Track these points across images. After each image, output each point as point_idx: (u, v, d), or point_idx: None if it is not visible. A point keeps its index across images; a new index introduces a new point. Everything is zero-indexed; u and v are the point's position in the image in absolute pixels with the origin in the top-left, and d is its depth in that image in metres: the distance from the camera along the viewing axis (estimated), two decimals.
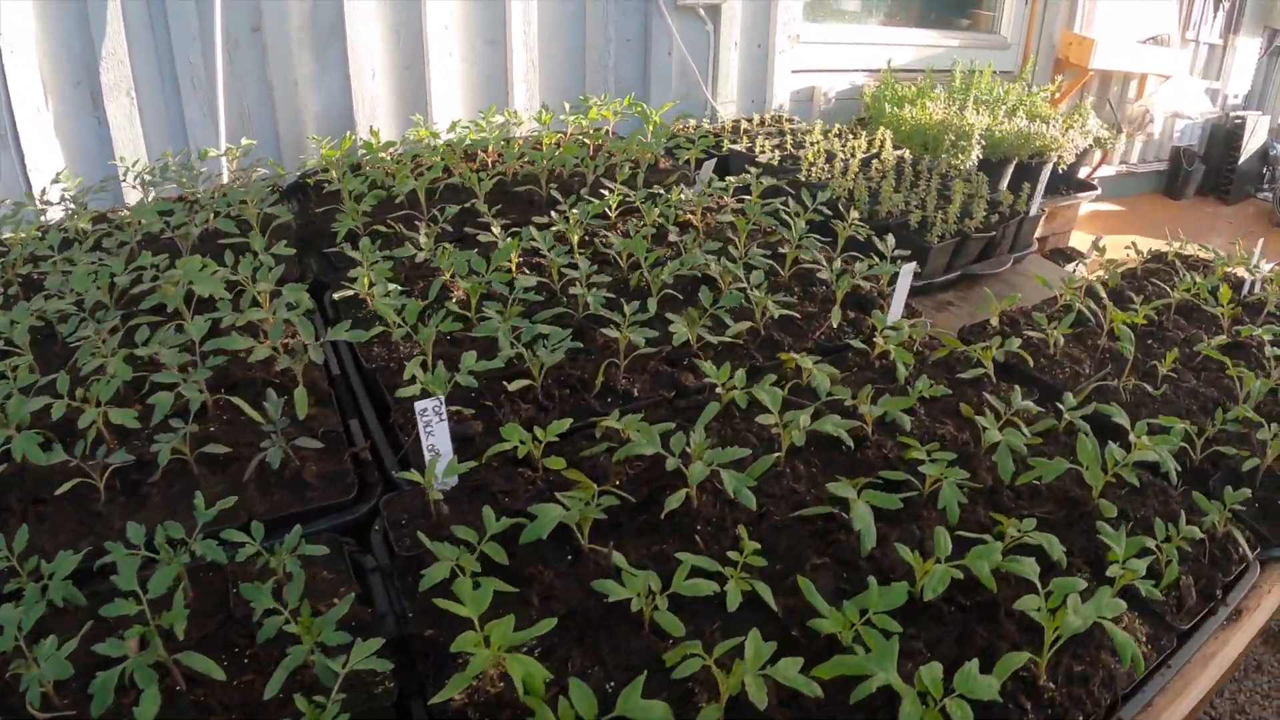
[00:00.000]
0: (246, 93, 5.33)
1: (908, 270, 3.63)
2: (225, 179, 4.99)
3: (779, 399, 2.85)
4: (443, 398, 2.49)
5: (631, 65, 6.16)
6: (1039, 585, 2.10)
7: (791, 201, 4.26)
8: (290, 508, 2.36)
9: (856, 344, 3.43)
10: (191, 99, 5.12)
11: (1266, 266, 4.38)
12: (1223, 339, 3.71)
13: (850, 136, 5.83)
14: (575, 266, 3.63)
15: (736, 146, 5.51)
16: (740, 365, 3.36)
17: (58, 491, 2.30)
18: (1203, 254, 4.62)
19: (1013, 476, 2.70)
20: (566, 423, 2.62)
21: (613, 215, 4.35)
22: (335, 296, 3.55)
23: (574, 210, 4.11)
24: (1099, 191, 6.95)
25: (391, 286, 3.41)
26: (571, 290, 3.57)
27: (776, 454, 2.69)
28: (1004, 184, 6.33)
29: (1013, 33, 8.02)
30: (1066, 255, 6.94)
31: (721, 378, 3.02)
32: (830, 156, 5.46)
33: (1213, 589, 2.53)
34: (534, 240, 3.79)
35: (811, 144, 5.54)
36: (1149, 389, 3.35)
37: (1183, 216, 9.38)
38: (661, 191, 4.44)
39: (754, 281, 3.67)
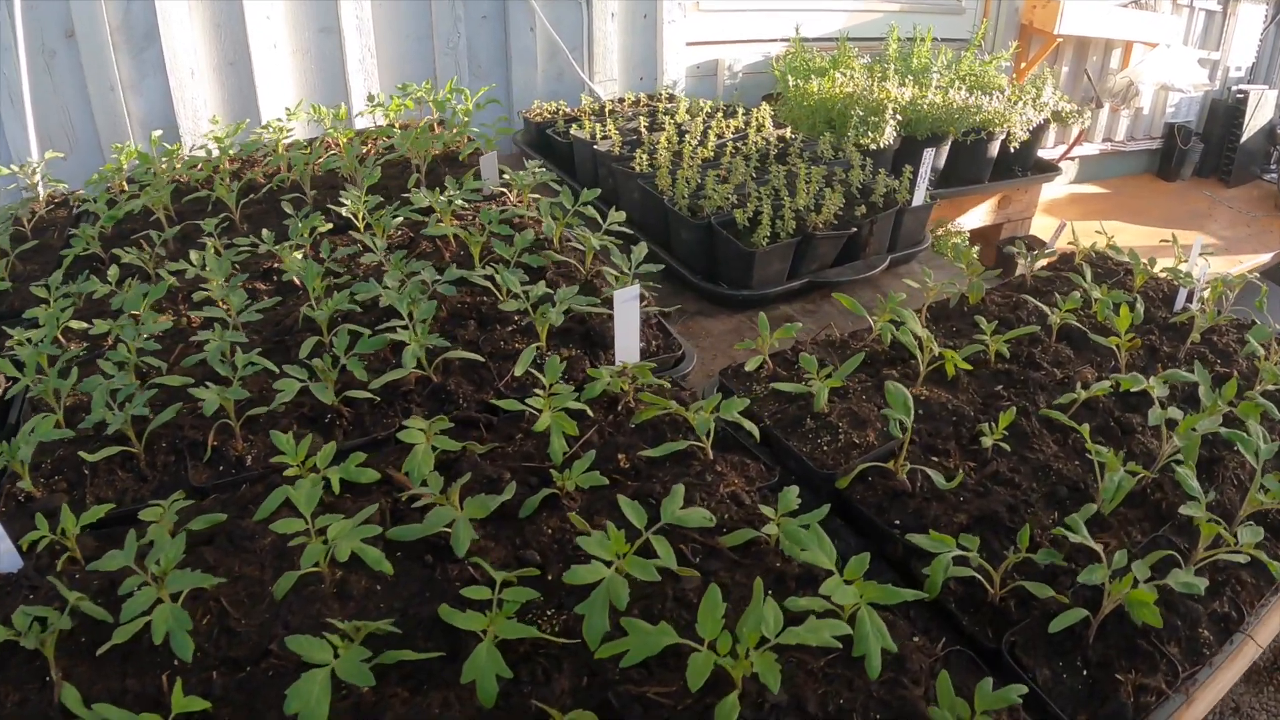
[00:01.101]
0: (70, 102, 4.45)
1: (627, 296, 2.31)
2: (41, 196, 4.06)
3: (316, 497, 1.85)
4: None
5: (488, 45, 4.91)
6: None
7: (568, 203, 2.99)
8: None
9: (509, 406, 2.16)
10: (10, 112, 4.27)
11: (1205, 270, 2.85)
12: (1104, 386, 2.27)
13: (722, 115, 4.46)
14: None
15: (581, 134, 4.21)
16: (388, 428, 2.23)
17: None
18: (1118, 256, 3.09)
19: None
20: (103, 509, 1.95)
21: (360, 224, 3.15)
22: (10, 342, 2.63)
23: (304, 222, 2.99)
24: (1061, 174, 5.33)
25: (76, 324, 2.68)
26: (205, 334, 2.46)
27: (304, 570, 1.78)
28: (939, 165, 4.85)
29: None
30: (1028, 245, 5.34)
31: (299, 455, 1.91)
32: (701, 140, 4.12)
33: None
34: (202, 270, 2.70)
35: (671, 126, 4.20)
36: (936, 478, 1.95)
37: (1176, 200, 7.46)
38: (417, 194, 3.22)
39: (421, 314, 2.43)
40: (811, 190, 3.41)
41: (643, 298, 2.75)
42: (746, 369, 2.35)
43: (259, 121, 4.44)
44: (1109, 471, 1.89)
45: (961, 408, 2.29)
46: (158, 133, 4.02)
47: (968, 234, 5.01)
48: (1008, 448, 2.12)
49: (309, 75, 4.74)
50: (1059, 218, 6.04)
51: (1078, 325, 2.58)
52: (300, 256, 2.88)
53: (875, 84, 4.69)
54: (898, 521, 1.94)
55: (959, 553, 1.68)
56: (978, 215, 5.20)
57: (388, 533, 1.91)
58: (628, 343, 2.44)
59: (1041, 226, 5.53)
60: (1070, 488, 2.07)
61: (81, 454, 2.20)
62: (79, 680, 1.57)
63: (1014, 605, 1.74)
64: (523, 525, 1.97)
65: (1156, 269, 2.95)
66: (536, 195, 3.32)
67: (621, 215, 2.89)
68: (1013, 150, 4.93)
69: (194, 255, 2.93)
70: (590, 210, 2.94)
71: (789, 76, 4.85)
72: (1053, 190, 6.83)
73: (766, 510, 1.81)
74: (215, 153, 3.82)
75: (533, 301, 2.47)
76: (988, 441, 2.07)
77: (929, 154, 3.49)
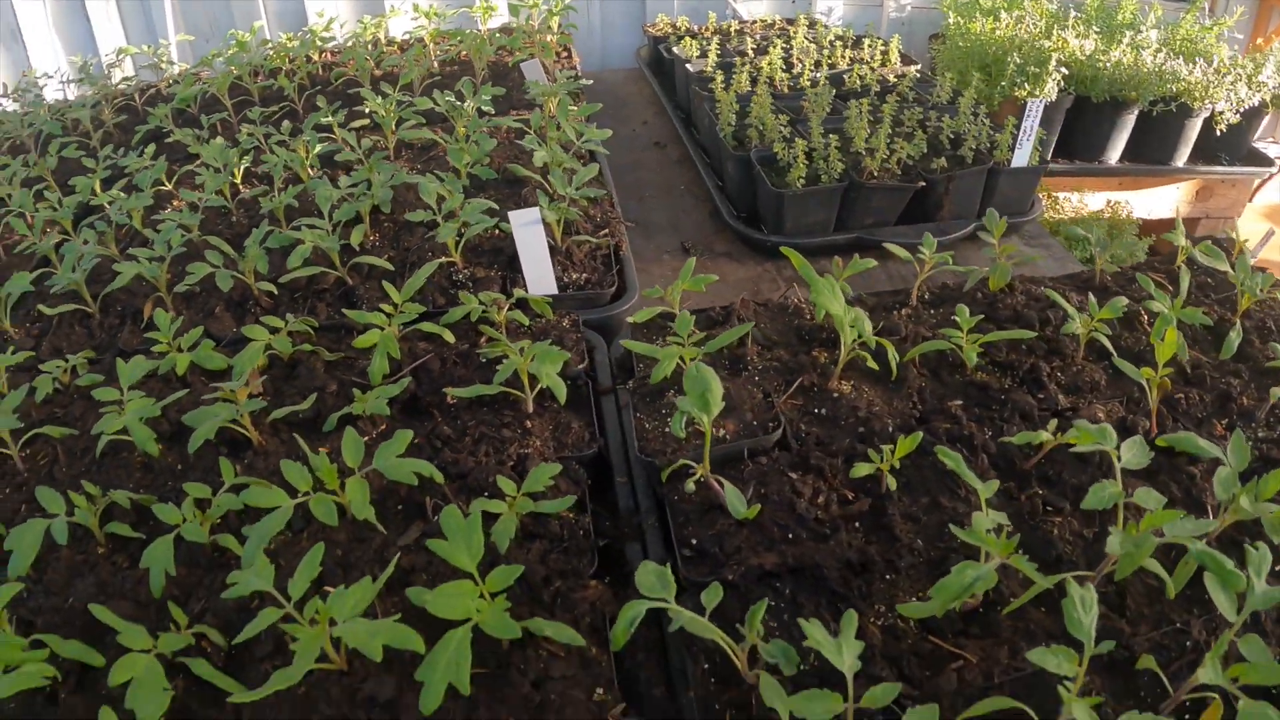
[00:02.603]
0: None
1: (525, 219, 1.88)
2: (175, 71, 4.23)
3: (139, 373, 1.84)
4: None
5: None
6: None
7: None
8: None
9: (354, 315, 1.85)
10: None
11: None
12: (1068, 433, 1.52)
13: (843, 46, 3.72)
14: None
15: (680, 51, 3.71)
16: None
17: None
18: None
19: None
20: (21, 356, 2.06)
21: (390, 128, 2.87)
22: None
23: (332, 117, 2.82)
24: (1276, 169, 3.96)
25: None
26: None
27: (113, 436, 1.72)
28: (1119, 139, 3.80)
29: None
30: (1223, 247, 4.08)
31: (168, 334, 2.04)
32: (789, 66, 3.49)
33: None
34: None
35: (777, 51, 3.56)
36: (730, 497, 1.38)
37: None
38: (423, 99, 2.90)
39: (339, 216, 2.19)
40: (882, 133, 2.71)
41: (603, 226, 2.31)
42: (634, 320, 1.86)
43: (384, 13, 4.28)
44: (968, 561, 1.25)
45: (880, 419, 1.66)
46: (259, 23, 4.00)
47: (1138, 222, 3.92)
48: (893, 483, 1.50)
49: None
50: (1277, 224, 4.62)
51: (1106, 344, 1.80)
52: (303, 151, 2.70)
53: (1053, 30, 3.71)
54: (694, 540, 1.44)
55: (664, 604, 1.17)
56: (1164, 204, 4.05)
57: (184, 417, 1.73)
58: (538, 272, 2.04)
59: (1256, 233, 4.19)
60: (972, 560, 1.43)
61: (41, 308, 2.24)
62: None
63: (756, 700, 1.22)
64: (325, 437, 1.72)
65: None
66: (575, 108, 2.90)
67: (606, 133, 2.43)
68: (1219, 133, 3.73)
69: (218, 141, 2.85)
70: (583, 133, 2.49)
71: (952, 13, 3.96)
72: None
73: (505, 484, 1.40)
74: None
75: (444, 214, 2.12)
76: (863, 469, 1.47)
77: (1035, 105, 2.64)
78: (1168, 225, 4.21)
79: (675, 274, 2.75)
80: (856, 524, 1.48)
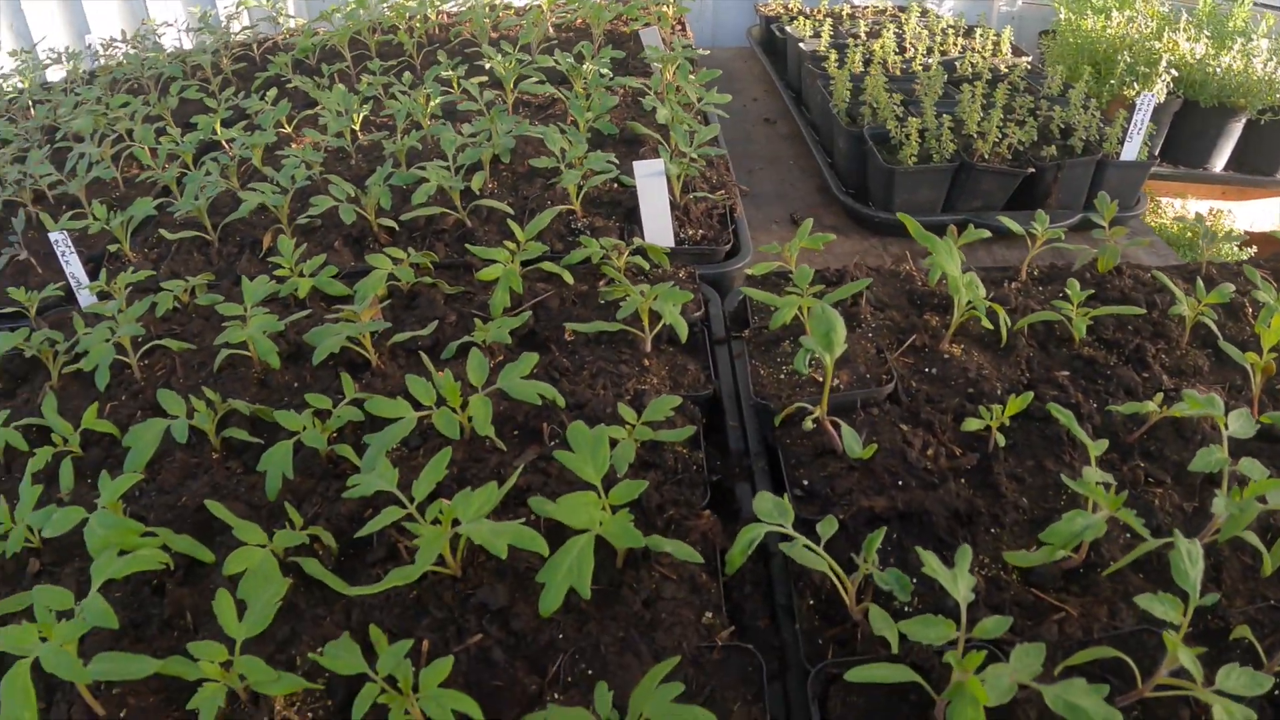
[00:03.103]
0: None
1: (649, 170, 1.92)
2: (292, 25, 4.33)
3: (261, 294, 1.90)
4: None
5: None
6: None
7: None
8: None
9: (478, 251, 1.90)
10: None
11: None
12: (1154, 405, 1.48)
13: (955, 34, 3.65)
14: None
15: (793, 30, 3.70)
16: None
17: None
18: None
19: None
20: (142, 275, 2.18)
21: (509, 84, 2.94)
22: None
23: (453, 72, 2.88)
24: None
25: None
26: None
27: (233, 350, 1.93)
28: (1225, 146, 3.65)
29: None
30: None
31: (290, 260, 2.06)
32: (901, 50, 3.45)
33: None
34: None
35: (889, 34, 3.51)
36: (847, 437, 1.39)
37: None
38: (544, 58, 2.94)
39: (462, 161, 2.24)
40: (994, 117, 2.65)
41: (720, 188, 2.32)
42: (750, 272, 1.88)
43: None
44: (1075, 511, 1.23)
45: (989, 381, 1.65)
46: None
47: (1243, 234, 3.75)
48: (1001, 441, 1.49)
49: None
50: None
51: (1212, 327, 1.75)
52: (423, 101, 2.76)
53: (1164, 32, 3.59)
54: (805, 481, 1.45)
55: (780, 530, 1.19)
56: (1267, 217, 3.86)
57: (304, 335, 1.80)
58: (657, 223, 2.06)
59: None
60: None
61: (162, 232, 2.33)
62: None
63: (860, 636, 1.23)
64: (442, 364, 1.77)
65: None
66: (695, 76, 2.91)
67: (725, 98, 2.44)
68: None
69: (339, 88, 2.93)
70: (702, 96, 2.51)
71: (1064, 8, 3.85)
72: None
73: (626, 412, 1.43)
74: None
75: (568, 162, 2.16)
76: (973, 425, 1.46)
77: (1147, 99, 2.55)
78: (1273, 241, 4.04)
79: (783, 243, 2.77)
80: (963, 478, 1.48)
